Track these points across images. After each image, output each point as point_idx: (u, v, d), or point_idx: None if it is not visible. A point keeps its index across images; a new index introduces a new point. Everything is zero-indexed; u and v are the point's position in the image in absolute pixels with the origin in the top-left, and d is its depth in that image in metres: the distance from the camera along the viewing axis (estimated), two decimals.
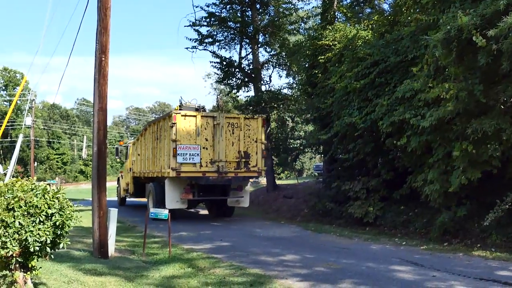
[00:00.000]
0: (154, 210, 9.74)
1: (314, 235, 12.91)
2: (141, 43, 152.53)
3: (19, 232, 4.96)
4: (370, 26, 18.32)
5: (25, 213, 5.08)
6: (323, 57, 17.27)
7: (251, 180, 19.25)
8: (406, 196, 12.97)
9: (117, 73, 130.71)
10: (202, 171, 14.85)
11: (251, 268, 7.95)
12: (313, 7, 28.90)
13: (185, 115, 14.82)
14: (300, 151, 27.56)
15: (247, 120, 15.90)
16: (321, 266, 8.15)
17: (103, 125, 8.80)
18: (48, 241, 5.13)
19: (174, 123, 14.52)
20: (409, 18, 14.95)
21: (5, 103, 66.39)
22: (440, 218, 10.77)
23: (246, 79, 24.26)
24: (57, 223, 5.20)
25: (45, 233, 5.09)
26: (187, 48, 23.53)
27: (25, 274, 5.27)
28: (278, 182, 26.28)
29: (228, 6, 23.45)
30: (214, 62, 23.61)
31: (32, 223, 5.05)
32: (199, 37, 23.04)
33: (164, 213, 9.55)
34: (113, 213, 9.26)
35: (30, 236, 4.98)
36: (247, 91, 25.19)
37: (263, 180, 31.88)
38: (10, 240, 4.91)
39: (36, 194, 5.22)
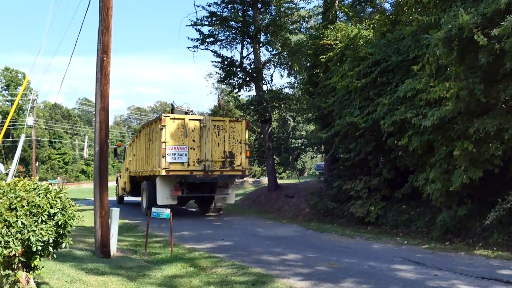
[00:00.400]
0: (156, 209, 9.75)
1: (316, 234, 12.91)
2: (143, 42, 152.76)
3: (21, 232, 4.97)
4: (371, 25, 18.32)
5: (28, 212, 5.08)
6: (324, 56, 17.27)
7: (237, 180, 20.59)
8: (407, 195, 12.96)
9: (119, 73, 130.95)
10: (189, 170, 15.97)
11: (253, 268, 7.96)
12: (314, 6, 28.93)
13: (174, 118, 16.02)
14: (302, 150, 27.60)
15: (231, 123, 16.99)
16: (323, 266, 8.15)
17: (104, 124, 8.81)
18: (51, 241, 5.13)
19: (164, 126, 15.64)
20: (410, 17, 14.94)
21: (7, 103, 66.50)
22: (441, 217, 10.77)
23: (248, 79, 24.27)
24: (60, 223, 5.21)
25: (48, 233, 5.10)
26: (188, 47, 23.68)
27: (27, 273, 5.27)
28: (279, 181, 26.26)
29: (229, 6, 23.45)
30: (216, 62, 23.68)
31: (34, 223, 5.06)
32: (200, 36, 23.08)
33: (165, 212, 9.56)
34: (115, 212, 9.27)
35: (32, 235, 4.99)
36: (248, 91, 25.25)
37: (264, 180, 31.92)
38: (12, 239, 4.92)
39: (39, 194, 5.23)
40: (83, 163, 74.17)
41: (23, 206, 5.07)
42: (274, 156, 24.48)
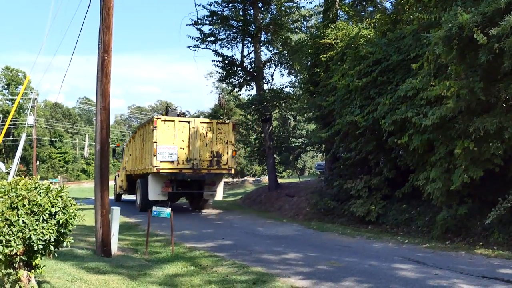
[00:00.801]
0: (157, 209, 9.76)
1: (316, 233, 12.93)
2: (143, 42, 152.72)
3: (22, 231, 4.98)
4: (372, 24, 18.30)
5: (29, 211, 5.09)
6: (325, 55, 17.26)
7: (225, 178, 21.56)
8: (408, 194, 12.96)
9: (119, 72, 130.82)
10: (179, 168, 17.07)
11: (254, 267, 7.97)
12: (315, 5, 28.96)
13: (165, 120, 17.16)
14: (302, 149, 27.56)
15: (219, 125, 18.14)
16: (323, 265, 8.16)
17: (105, 124, 8.81)
18: (52, 240, 5.14)
19: (155, 127, 16.77)
20: (411, 16, 14.92)
21: (8, 102, 66.51)
22: (441, 216, 10.76)
23: (248, 78, 24.26)
24: (61, 222, 5.22)
25: (49, 232, 5.11)
26: (189, 46, 23.53)
27: (29, 272, 5.29)
28: (280, 180, 26.26)
29: (230, 5, 23.43)
30: (216, 61, 23.66)
31: (35, 222, 5.07)
32: (201, 35, 23.06)
33: (166, 211, 9.57)
34: (116, 211, 9.28)
35: (34, 234, 5.00)
36: (249, 90, 25.33)
37: (264, 179, 31.93)
38: (14, 238, 4.93)
39: (40, 193, 5.23)
40: (83, 162, 74.20)
41: (24, 205, 5.08)
42: (275, 155, 24.47)
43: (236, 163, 46.52)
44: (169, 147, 16.90)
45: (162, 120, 17.04)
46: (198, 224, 14.96)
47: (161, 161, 16.71)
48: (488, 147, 9.28)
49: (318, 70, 17.80)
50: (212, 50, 23.58)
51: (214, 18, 22.83)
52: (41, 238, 5.05)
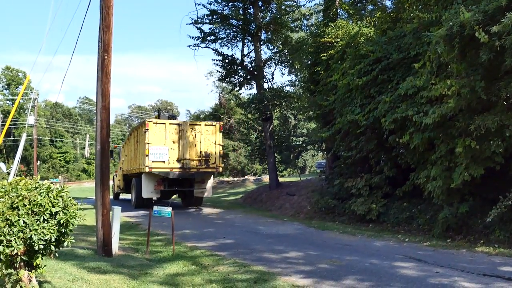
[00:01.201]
0: (158, 208, 9.75)
1: (317, 232, 12.92)
2: (143, 41, 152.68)
3: (23, 231, 4.98)
4: (372, 23, 18.27)
5: (30, 211, 5.09)
6: (325, 54, 17.26)
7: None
8: (409, 193, 12.95)
9: (119, 71, 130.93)
10: (169, 167, 18.12)
11: (255, 265, 7.96)
12: (315, 4, 28.82)
13: (156, 123, 18.25)
14: (303, 148, 27.60)
15: (207, 126, 19.16)
16: (324, 263, 8.16)
17: (106, 123, 8.80)
18: (53, 240, 5.14)
19: (147, 129, 17.85)
20: (411, 15, 14.91)
21: (8, 102, 66.54)
22: (442, 214, 10.76)
23: (249, 77, 24.26)
24: (61, 222, 5.22)
25: (50, 232, 5.11)
26: (189, 46, 23.51)
27: (29, 272, 5.29)
28: (280, 179, 26.28)
29: (230, 4, 23.44)
30: (217, 60, 23.70)
31: (36, 222, 5.07)
32: (201, 34, 23.08)
33: (167, 211, 9.57)
34: (117, 211, 9.28)
35: (34, 234, 5.00)
36: (249, 89, 25.37)
37: (265, 178, 31.94)
38: (14, 238, 4.93)
39: (40, 193, 5.23)
40: (84, 162, 74.28)
41: (25, 205, 5.08)
42: (275, 154, 24.49)
43: (237, 162, 46.59)
44: (160, 148, 17.95)
45: (153, 123, 18.14)
46: (199, 223, 14.96)
47: (153, 161, 17.74)
48: (489, 145, 9.27)
49: (319, 68, 17.80)
50: (212, 49, 23.63)
51: (214, 17, 22.85)
52: (42, 238, 5.05)
